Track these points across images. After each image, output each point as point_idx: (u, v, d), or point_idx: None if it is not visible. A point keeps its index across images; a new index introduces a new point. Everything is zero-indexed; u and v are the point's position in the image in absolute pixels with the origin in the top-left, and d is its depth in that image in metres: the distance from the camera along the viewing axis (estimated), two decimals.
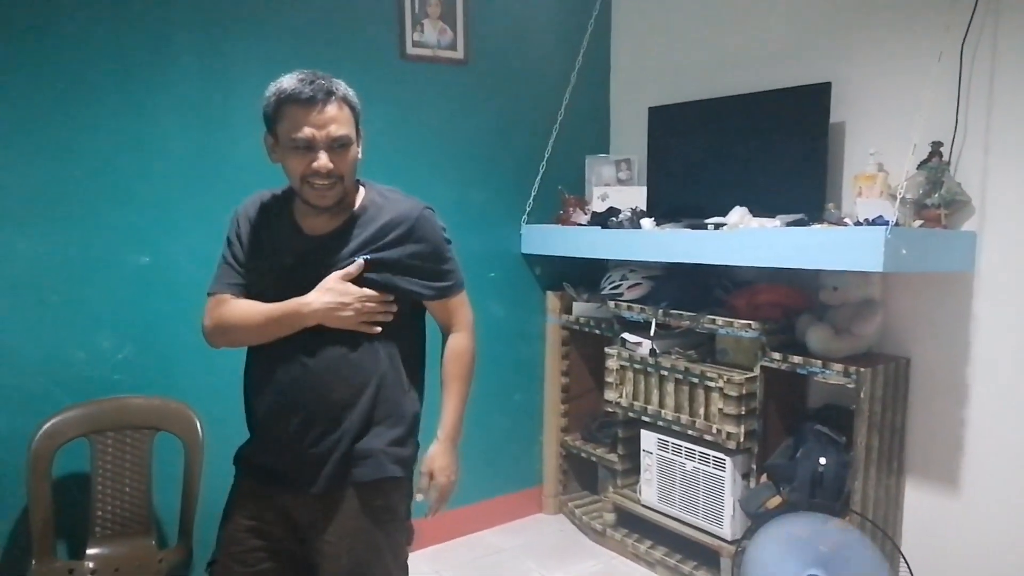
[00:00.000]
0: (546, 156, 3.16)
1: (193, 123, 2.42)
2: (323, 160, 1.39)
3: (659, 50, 3.18)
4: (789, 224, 2.33)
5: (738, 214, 2.50)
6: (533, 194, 3.15)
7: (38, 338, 2.20)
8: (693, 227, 2.55)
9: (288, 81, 1.41)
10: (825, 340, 2.34)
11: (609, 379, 2.89)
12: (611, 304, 2.90)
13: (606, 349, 2.92)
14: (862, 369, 2.23)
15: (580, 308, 3.15)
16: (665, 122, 2.98)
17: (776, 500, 2.39)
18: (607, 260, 3.03)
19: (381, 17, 2.78)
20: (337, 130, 1.40)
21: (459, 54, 2.93)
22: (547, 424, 3.29)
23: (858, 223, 2.17)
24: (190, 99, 2.41)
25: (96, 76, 2.24)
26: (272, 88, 1.43)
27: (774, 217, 2.40)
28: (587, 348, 3.24)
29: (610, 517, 3.01)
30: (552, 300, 3.22)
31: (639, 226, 2.73)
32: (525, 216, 3.15)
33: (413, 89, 2.86)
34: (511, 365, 3.21)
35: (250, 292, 1.52)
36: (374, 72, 2.76)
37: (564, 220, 3.10)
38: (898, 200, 2.12)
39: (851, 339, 2.34)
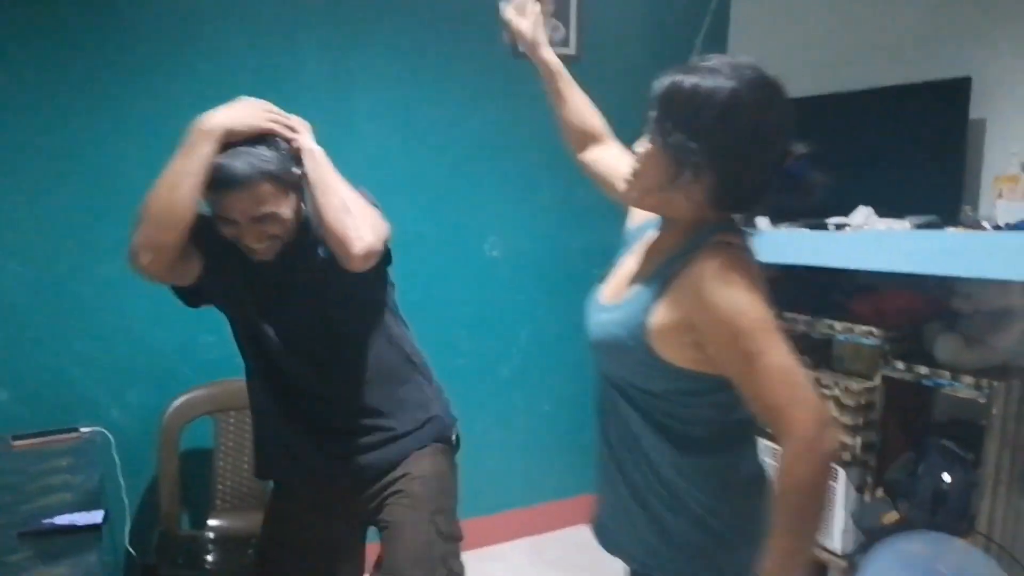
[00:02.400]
0: None
1: (319, 122, 2.52)
2: (250, 238, 1.34)
3: (780, 43, 3.06)
4: (920, 226, 2.20)
5: (863, 214, 2.38)
6: None
7: (169, 324, 2.34)
8: (813, 227, 2.45)
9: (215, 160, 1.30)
10: (955, 350, 2.19)
11: None
12: None
13: None
14: (996, 383, 2.08)
15: None
16: None
17: (893, 516, 2.27)
18: None
19: (494, 17, 2.79)
20: (264, 208, 1.32)
21: (571, 50, 2.90)
22: None
23: (997, 227, 2.02)
24: (317, 100, 2.52)
25: (230, 78, 2.36)
26: None
27: (903, 218, 2.27)
28: None
29: None
30: None
31: (753, 225, 2.64)
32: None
33: (524, 86, 2.85)
34: None
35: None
36: (486, 71, 2.78)
37: None
38: None
39: (984, 350, 2.19)
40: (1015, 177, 2.17)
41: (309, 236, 1.45)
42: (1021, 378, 2.16)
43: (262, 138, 1.33)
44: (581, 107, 1.53)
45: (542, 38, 1.54)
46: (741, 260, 1.07)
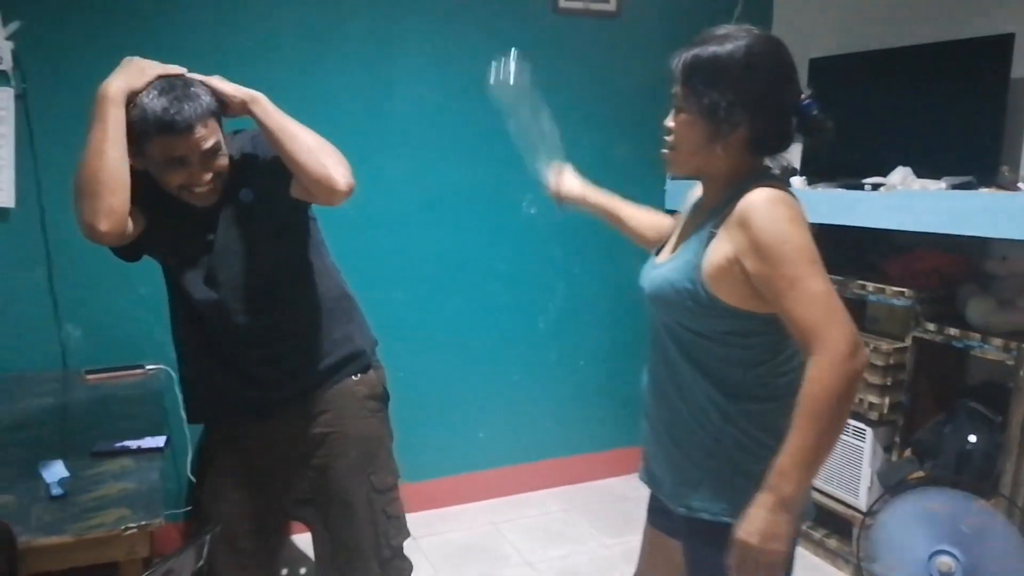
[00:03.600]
0: None
1: (361, 79, 2.63)
2: (204, 176, 1.41)
3: (822, 1, 3.01)
4: (955, 187, 2.18)
5: (900, 174, 2.36)
6: None
7: None
8: (848, 187, 2.45)
9: (152, 107, 1.34)
10: (987, 312, 2.19)
11: None
12: None
13: None
14: None
15: None
16: (827, 75, 2.82)
17: (919, 476, 2.30)
18: None
19: None
20: (210, 142, 1.39)
21: (611, 6, 2.92)
22: None
23: None
24: (360, 57, 2.61)
25: (278, 38, 2.49)
26: (132, 112, 1.36)
27: (940, 179, 2.25)
28: None
29: None
30: None
31: (789, 184, 2.64)
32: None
33: (563, 43, 2.91)
34: (647, 320, 3.24)
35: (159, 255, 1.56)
36: (526, 28, 2.82)
37: None
38: None
39: (1017, 313, 2.18)
40: None
41: (233, 177, 1.50)
42: None
43: (172, 82, 1.38)
44: (639, 217, 1.66)
45: (586, 189, 1.67)
46: (787, 195, 1.17)
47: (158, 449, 1.71)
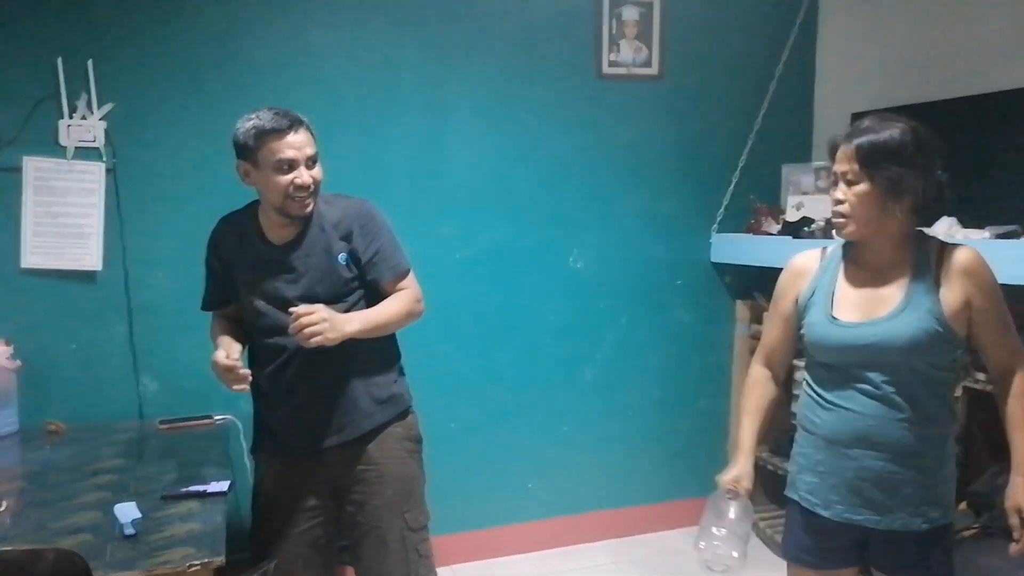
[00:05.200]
0: (740, 165, 3.18)
1: (415, 145, 2.81)
2: (305, 175, 1.66)
3: (869, 53, 3.06)
4: (1000, 236, 2.18)
5: (945, 224, 2.37)
6: (724, 203, 3.18)
7: None
8: None
9: (264, 116, 1.66)
10: None
11: (798, 392, 2.84)
12: None
13: (795, 361, 2.87)
14: None
15: None
16: None
17: (972, 529, 2.23)
18: None
19: (579, 41, 2.99)
20: (310, 149, 1.68)
21: (653, 70, 3.04)
22: (732, 433, 3.29)
23: None
24: (414, 123, 2.80)
25: (341, 110, 2.69)
26: (248, 124, 1.67)
27: (983, 228, 2.25)
28: None
29: None
30: (742, 309, 3.22)
31: (832, 236, 2.67)
32: (716, 225, 3.19)
33: (607, 106, 3.03)
34: (697, 371, 3.26)
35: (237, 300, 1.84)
36: (571, 93, 2.97)
37: (755, 229, 3.10)
38: None
39: None
40: None
41: (323, 233, 1.75)
42: None
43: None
44: (764, 401, 1.94)
45: (750, 457, 1.82)
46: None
47: (222, 493, 1.83)
